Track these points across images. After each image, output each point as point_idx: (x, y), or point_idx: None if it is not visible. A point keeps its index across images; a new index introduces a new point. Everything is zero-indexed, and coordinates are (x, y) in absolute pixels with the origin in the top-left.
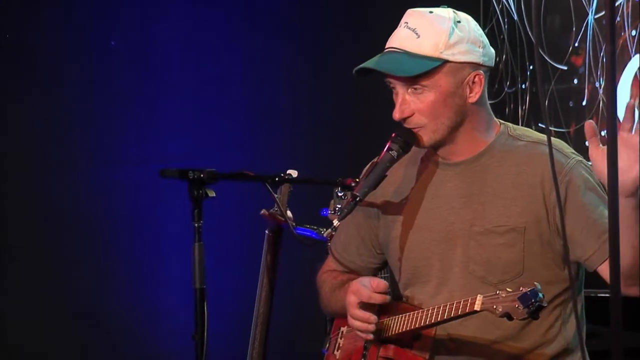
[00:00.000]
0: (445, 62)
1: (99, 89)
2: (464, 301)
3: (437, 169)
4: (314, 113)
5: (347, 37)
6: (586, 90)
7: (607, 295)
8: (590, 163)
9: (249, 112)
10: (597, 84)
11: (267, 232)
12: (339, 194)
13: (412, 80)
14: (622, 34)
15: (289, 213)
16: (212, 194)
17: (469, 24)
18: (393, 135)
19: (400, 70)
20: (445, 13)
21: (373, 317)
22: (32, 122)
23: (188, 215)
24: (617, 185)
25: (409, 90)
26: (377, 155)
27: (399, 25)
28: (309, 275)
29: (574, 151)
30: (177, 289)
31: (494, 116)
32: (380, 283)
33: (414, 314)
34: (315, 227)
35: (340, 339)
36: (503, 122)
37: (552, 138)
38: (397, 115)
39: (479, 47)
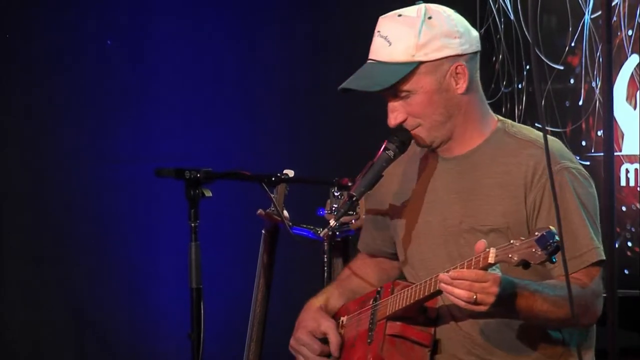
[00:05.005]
0: (420, 63)
1: (95, 88)
2: (475, 258)
3: (435, 162)
4: (310, 113)
5: (343, 36)
6: (582, 90)
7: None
8: (583, 171)
9: (245, 111)
10: (593, 84)
11: (263, 231)
12: (336, 194)
13: (392, 89)
14: (619, 33)
15: (285, 213)
16: (208, 193)
17: (441, 17)
18: (390, 134)
19: (374, 84)
20: (415, 12)
21: None
22: (27, 121)
23: (184, 215)
24: (614, 184)
25: (395, 97)
26: (374, 155)
27: (374, 34)
28: (306, 275)
29: (567, 156)
30: (173, 288)
31: (489, 108)
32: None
33: (424, 283)
34: (311, 227)
35: (341, 328)
36: (502, 118)
37: (553, 139)
38: (391, 122)
39: (455, 37)
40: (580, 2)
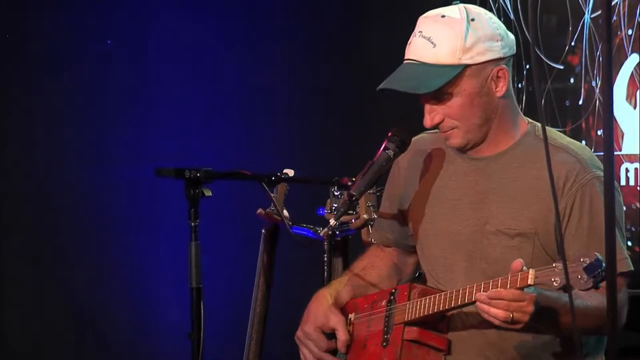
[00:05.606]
0: (466, 66)
1: (95, 88)
2: (512, 277)
3: (461, 160)
4: (310, 112)
5: (344, 36)
6: (582, 90)
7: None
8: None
9: (245, 111)
10: (593, 83)
11: (263, 231)
12: (336, 193)
13: (435, 91)
14: (619, 33)
15: (285, 212)
16: (208, 193)
17: (483, 19)
18: (389, 134)
19: (422, 87)
20: (458, 13)
21: None
22: (27, 121)
23: (184, 214)
24: (614, 183)
25: (435, 98)
26: (374, 154)
27: (413, 34)
28: (306, 275)
29: (597, 164)
30: (173, 288)
31: (519, 110)
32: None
33: (449, 293)
34: (311, 227)
35: (349, 325)
36: (532, 121)
37: (581, 145)
38: (427, 123)
39: (497, 40)
40: (580, 1)
